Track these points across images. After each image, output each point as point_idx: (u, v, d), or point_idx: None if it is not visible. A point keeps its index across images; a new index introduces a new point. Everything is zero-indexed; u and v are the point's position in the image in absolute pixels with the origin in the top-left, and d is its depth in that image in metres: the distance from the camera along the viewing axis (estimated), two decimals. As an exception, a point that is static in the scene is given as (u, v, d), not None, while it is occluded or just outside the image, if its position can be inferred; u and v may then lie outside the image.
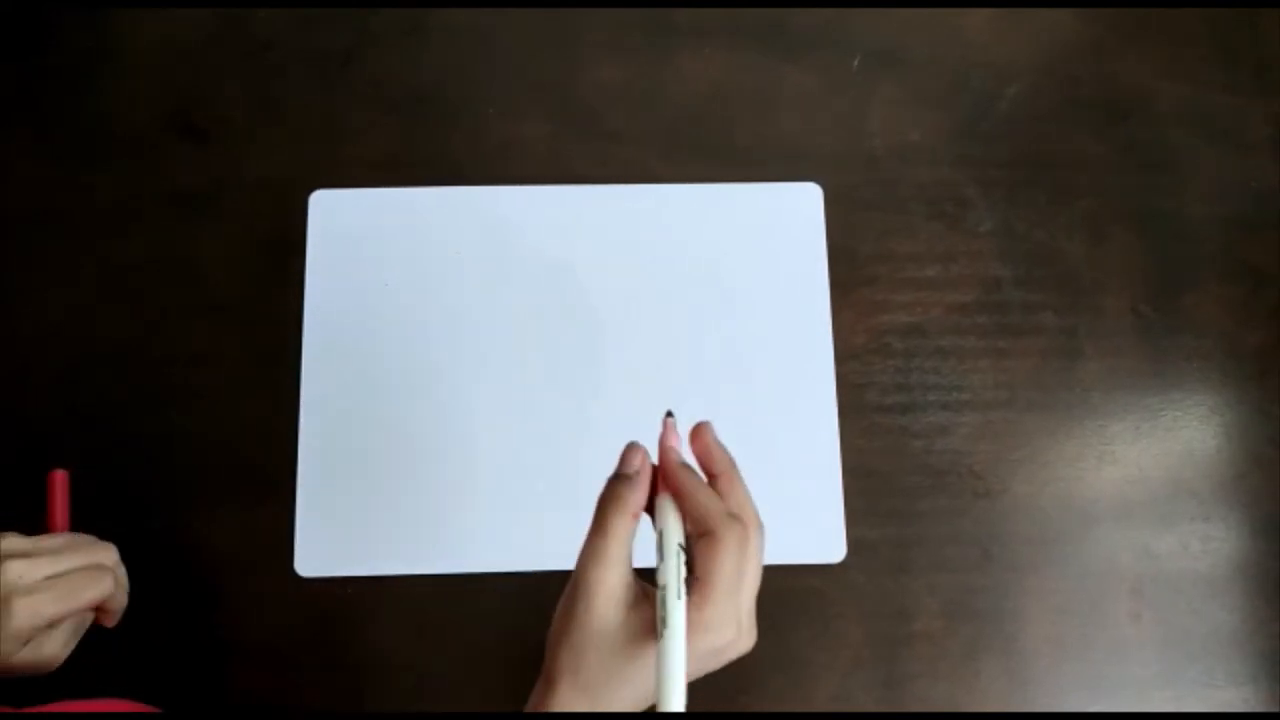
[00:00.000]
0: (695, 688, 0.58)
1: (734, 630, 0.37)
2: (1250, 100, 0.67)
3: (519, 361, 0.61)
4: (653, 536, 0.39)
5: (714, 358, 0.62)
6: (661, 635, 0.35)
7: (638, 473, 0.39)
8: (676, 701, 0.34)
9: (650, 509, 0.40)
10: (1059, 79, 0.67)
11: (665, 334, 0.62)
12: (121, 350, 0.61)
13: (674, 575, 0.36)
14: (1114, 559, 0.60)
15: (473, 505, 0.59)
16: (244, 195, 0.64)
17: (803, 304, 0.63)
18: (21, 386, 0.61)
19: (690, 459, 0.41)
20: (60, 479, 0.57)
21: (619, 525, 0.37)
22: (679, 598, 0.35)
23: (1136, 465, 0.62)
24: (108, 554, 0.52)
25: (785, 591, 0.59)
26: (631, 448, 0.40)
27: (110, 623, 0.53)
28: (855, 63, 0.67)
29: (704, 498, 0.38)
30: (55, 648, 0.49)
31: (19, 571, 0.47)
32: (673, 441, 0.40)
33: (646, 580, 0.40)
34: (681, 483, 0.38)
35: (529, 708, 0.40)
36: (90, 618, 0.52)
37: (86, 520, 0.56)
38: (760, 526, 0.39)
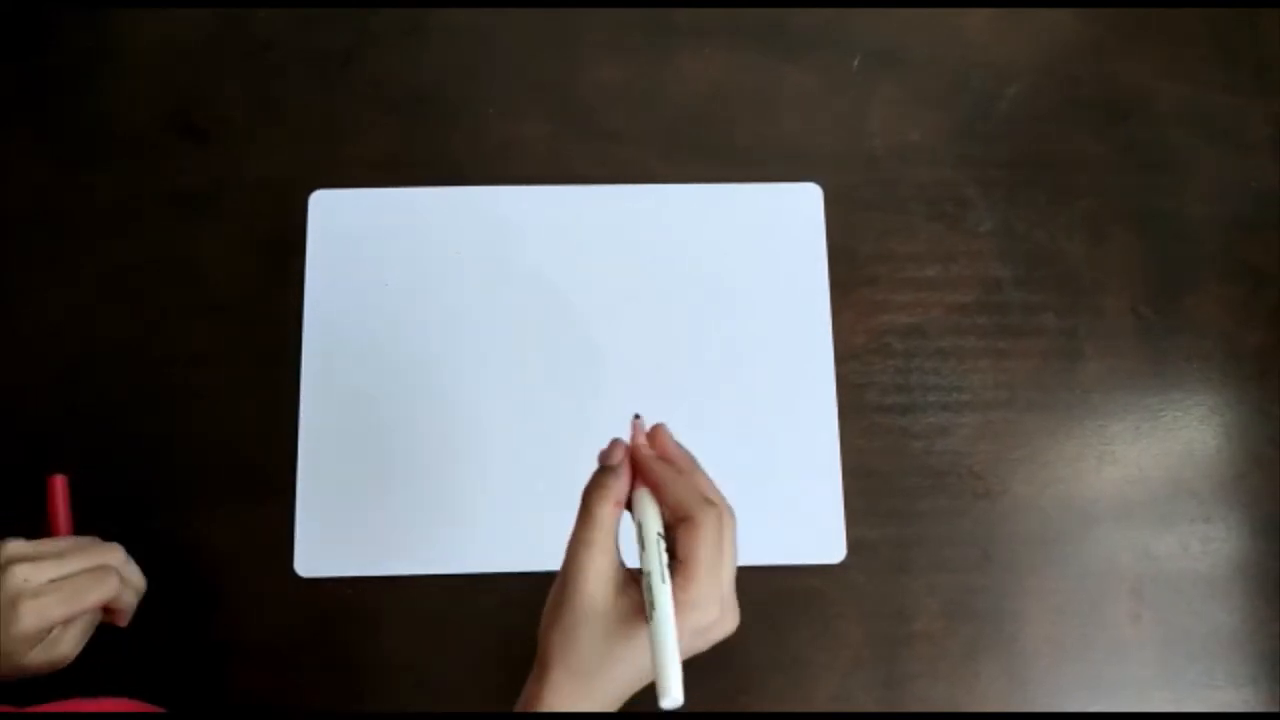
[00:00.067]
0: (694, 687, 0.58)
1: (718, 608, 0.38)
2: (1250, 100, 0.67)
3: (519, 361, 0.61)
4: (634, 536, 0.41)
5: (714, 358, 0.62)
6: (651, 618, 0.36)
7: (620, 464, 0.40)
8: (673, 678, 0.36)
9: (628, 505, 0.41)
10: (1059, 79, 0.67)
11: (665, 334, 0.62)
12: (121, 350, 0.61)
13: (656, 561, 0.37)
14: (1114, 559, 0.60)
15: (472, 505, 0.59)
16: (244, 195, 0.64)
17: (803, 304, 0.63)
18: (21, 386, 0.61)
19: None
20: (60, 484, 0.56)
21: (604, 513, 0.39)
22: (664, 581, 0.37)
23: (1136, 465, 0.62)
24: (113, 555, 0.52)
25: (785, 591, 0.59)
26: (614, 442, 0.42)
27: (122, 622, 0.54)
28: (855, 63, 0.67)
29: (680, 485, 0.40)
30: (67, 647, 0.49)
31: (24, 575, 0.47)
32: (642, 440, 0.42)
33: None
34: (659, 474, 0.40)
35: (522, 697, 0.40)
36: (98, 615, 0.52)
37: (87, 521, 0.57)
38: (731, 512, 0.41)
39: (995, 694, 0.58)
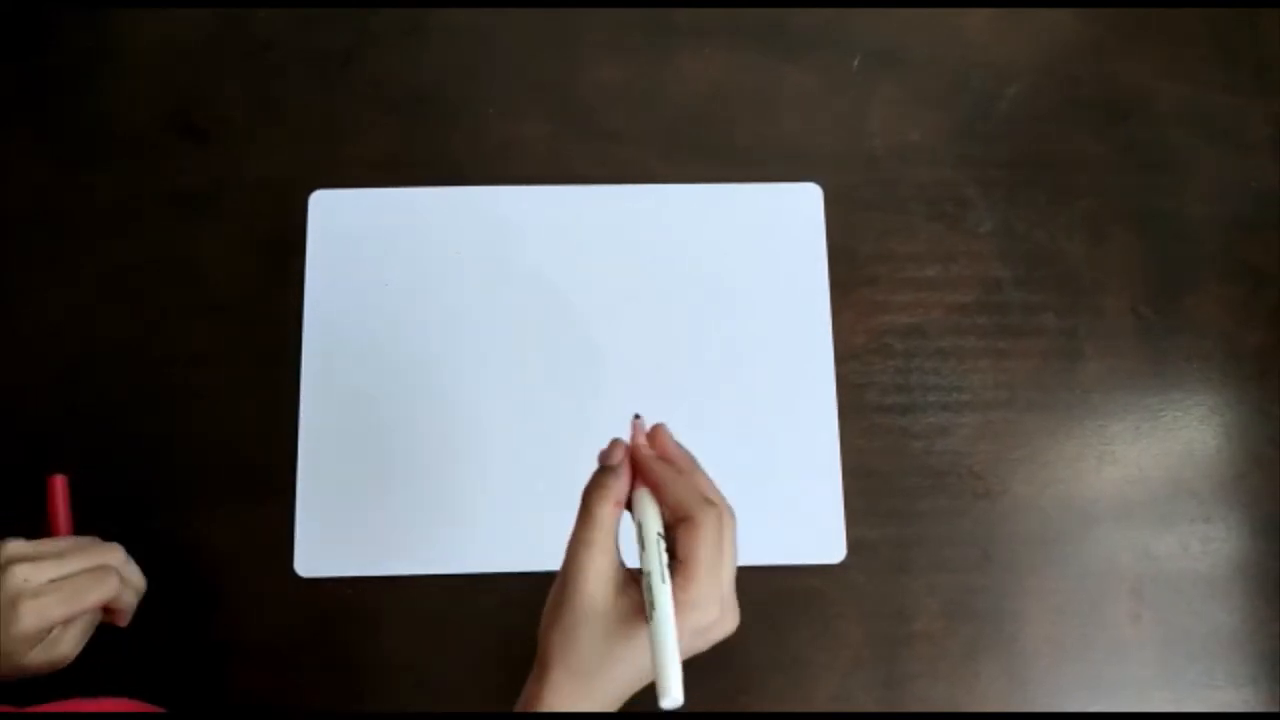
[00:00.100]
0: (694, 687, 0.58)
1: (718, 608, 0.39)
2: (1250, 100, 0.67)
3: (519, 361, 0.61)
4: (634, 537, 0.41)
5: (714, 358, 0.62)
6: (651, 618, 0.36)
7: (620, 464, 0.41)
8: (673, 678, 0.36)
9: (628, 505, 0.41)
10: (1059, 79, 0.67)
11: (665, 334, 0.62)
12: (121, 350, 0.61)
13: (656, 561, 0.38)
14: (1114, 559, 0.60)
15: (472, 505, 0.59)
16: (244, 195, 0.64)
17: (803, 304, 0.63)
18: (21, 386, 0.61)
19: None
20: (60, 484, 0.56)
21: (604, 512, 0.39)
22: (664, 581, 0.37)
23: (1136, 465, 0.62)
24: (113, 554, 0.52)
25: (785, 591, 0.59)
26: (614, 443, 0.42)
27: (122, 622, 0.54)
28: (855, 63, 0.67)
29: (681, 486, 0.40)
30: (67, 647, 0.50)
31: (24, 575, 0.47)
32: (642, 440, 0.42)
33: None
34: (659, 474, 0.40)
35: (522, 697, 0.40)
36: (98, 616, 0.52)
37: (87, 521, 0.57)
38: (731, 512, 0.41)
39: (995, 694, 0.58)
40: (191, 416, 0.60)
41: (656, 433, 0.43)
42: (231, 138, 0.65)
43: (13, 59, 0.65)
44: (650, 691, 0.58)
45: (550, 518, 0.59)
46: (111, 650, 0.53)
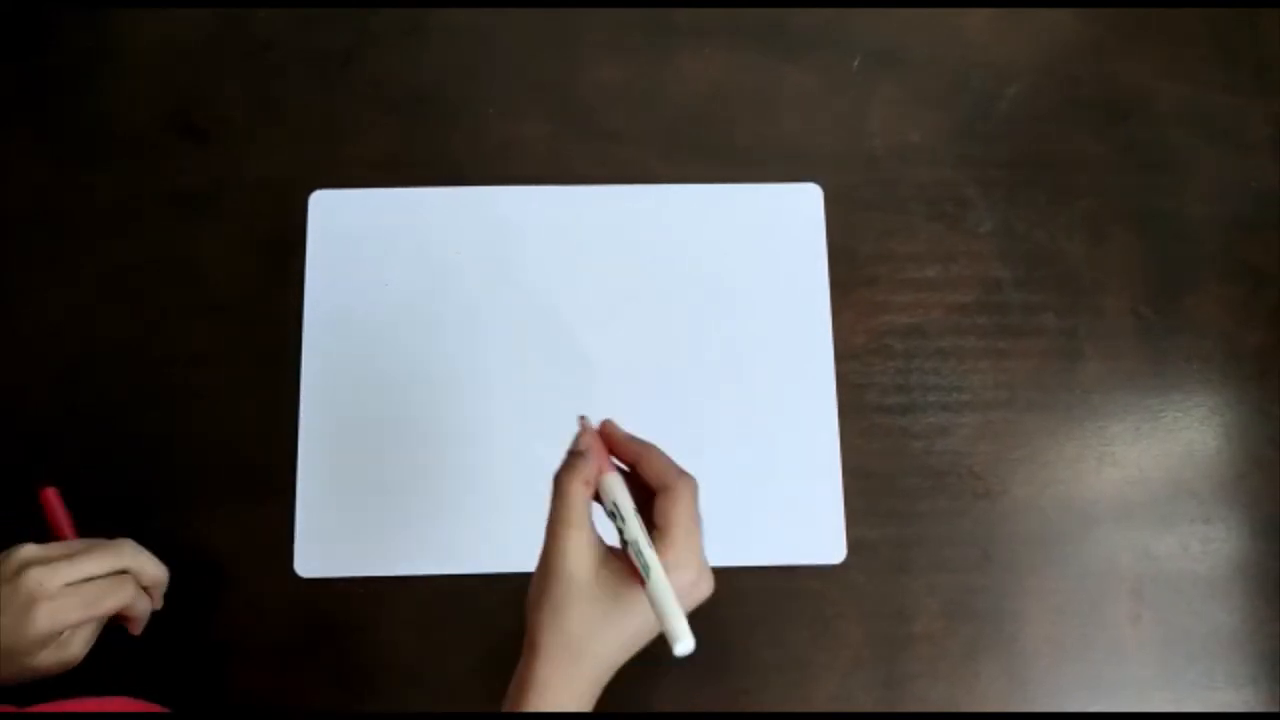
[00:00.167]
0: (695, 687, 0.58)
1: (695, 570, 0.41)
2: (1250, 100, 0.67)
3: (519, 361, 0.61)
4: (605, 516, 0.43)
5: (714, 358, 0.62)
6: (648, 579, 0.38)
7: (589, 448, 0.42)
8: (682, 625, 0.38)
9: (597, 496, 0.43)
10: (1059, 79, 0.67)
11: (665, 334, 0.62)
12: (121, 350, 0.61)
13: (639, 530, 0.40)
14: (1114, 560, 0.60)
15: (472, 506, 0.59)
16: (244, 195, 0.64)
17: (803, 304, 0.63)
18: (21, 386, 0.61)
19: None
20: (52, 494, 0.56)
21: (577, 492, 0.41)
22: (650, 546, 0.39)
23: (1136, 466, 0.62)
24: (123, 550, 0.52)
25: (785, 592, 0.59)
26: (581, 424, 0.44)
27: (135, 630, 0.54)
28: (855, 63, 0.67)
29: (657, 458, 0.43)
30: (76, 648, 0.50)
31: (39, 579, 0.48)
32: (588, 441, 0.43)
33: None
34: (637, 449, 0.43)
35: (514, 681, 0.41)
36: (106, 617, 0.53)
37: (87, 521, 0.57)
38: (696, 482, 0.43)
39: (995, 694, 0.58)
40: (191, 416, 0.60)
41: (607, 426, 0.44)
42: (231, 138, 0.65)
43: (13, 59, 0.65)
44: (651, 693, 0.58)
45: (550, 518, 0.59)
46: (112, 650, 0.53)
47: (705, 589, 0.41)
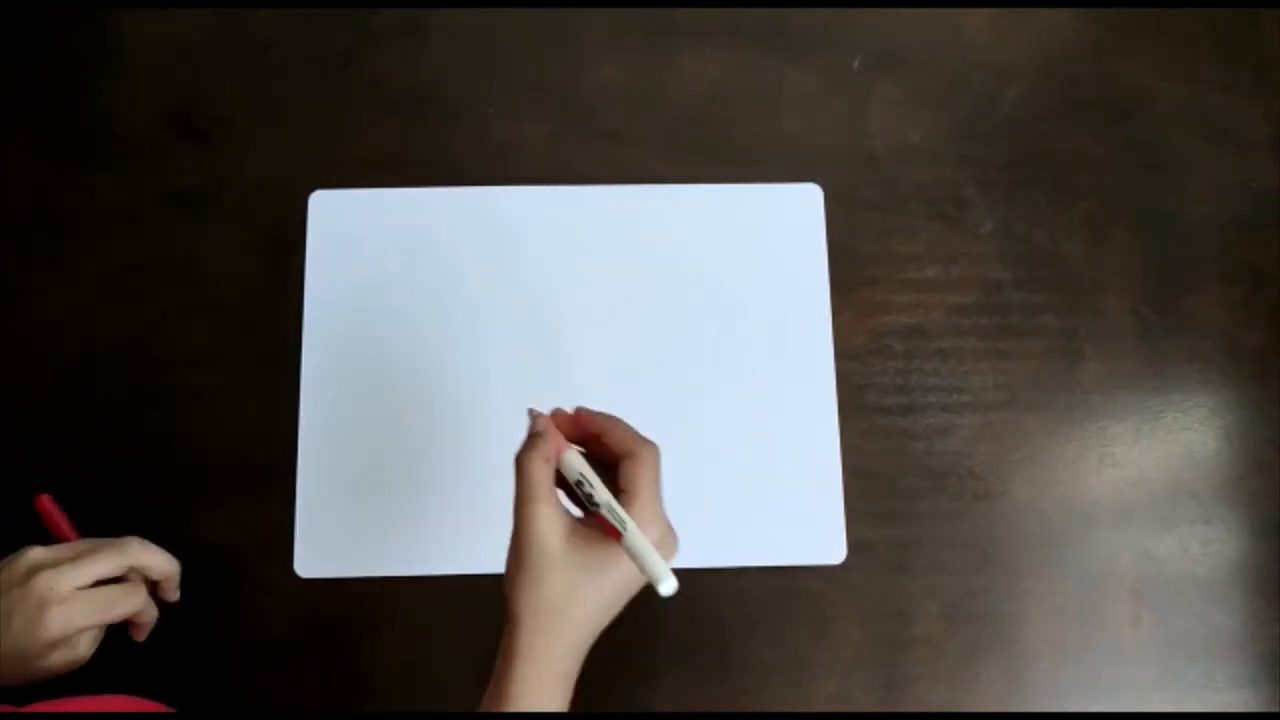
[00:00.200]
0: (695, 686, 0.58)
1: (662, 528, 0.43)
2: (1250, 100, 0.67)
3: (519, 361, 0.61)
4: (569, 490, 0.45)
5: (714, 358, 0.62)
6: (625, 532, 0.41)
7: (546, 429, 0.44)
8: (663, 569, 0.40)
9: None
10: (1059, 79, 0.67)
11: (665, 334, 0.62)
12: (121, 350, 0.61)
13: (608, 494, 0.42)
14: (1114, 561, 0.60)
15: (471, 506, 0.59)
16: (244, 195, 0.64)
17: (803, 305, 0.63)
18: (21, 386, 0.61)
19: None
20: (46, 500, 0.57)
21: (539, 469, 0.43)
22: (620, 506, 0.42)
23: (1137, 467, 0.61)
24: (129, 547, 0.52)
25: (785, 593, 0.59)
26: (532, 413, 0.46)
27: (140, 637, 0.55)
28: (855, 63, 0.67)
29: (622, 427, 0.44)
30: (84, 648, 0.51)
31: (49, 583, 0.49)
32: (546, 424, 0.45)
33: None
34: (600, 421, 0.45)
35: (499, 656, 0.42)
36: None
37: (88, 521, 0.57)
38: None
39: (995, 696, 0.58)
40: (191, 416, 0.60)
41: (560, 411, 0.46)
42: (231, 138, 0.65)
43: (13, 59, 0.65)
44: (651, 693, 0.58)
45: (549, 518, 0.59)
46: (111, 649, 0.53)
47: (672, 546, 0.43)
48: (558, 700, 0.42)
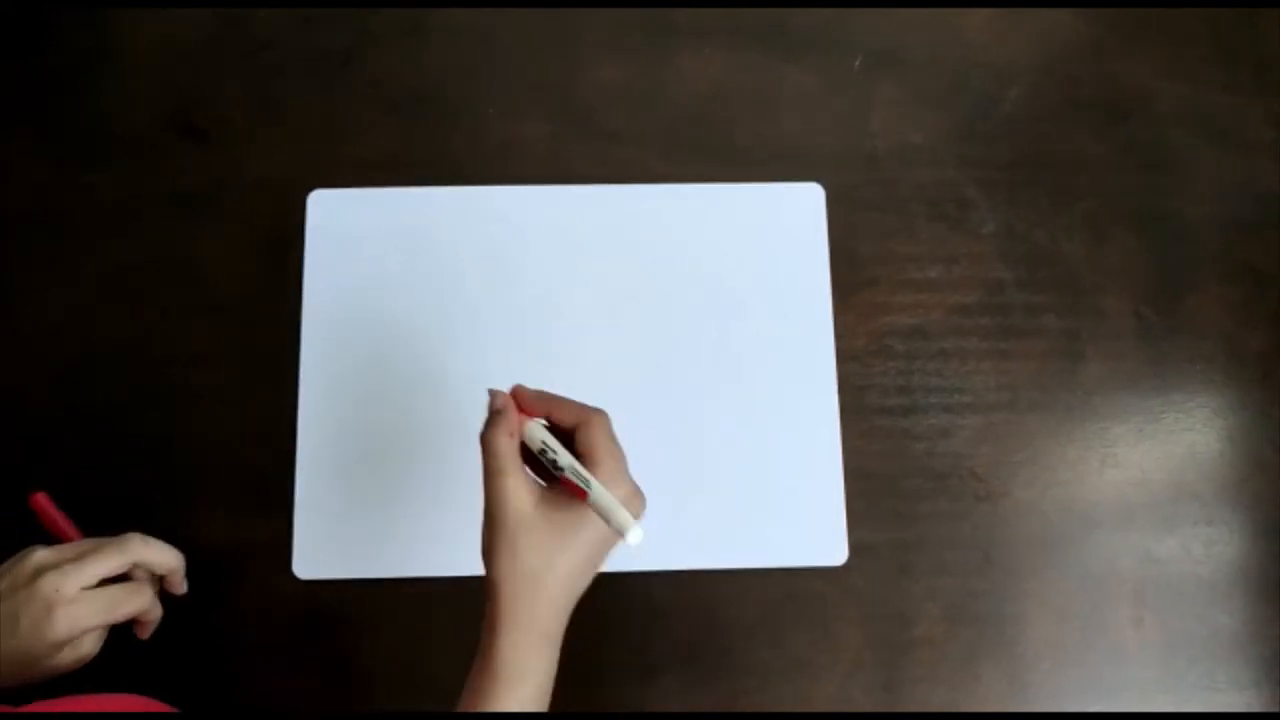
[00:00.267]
0: (695, 687, 0.58)
1: (628, 487, 0.44)
2: (1250, 100, 0.67)
3: (518, 361, 0.61)
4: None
5: (715, 358, 0.62)
6: (590, 490, 0.42)
7: (506, 405, 0.46)
8: (627, 518, 0.42)
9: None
10: (1059, 79, 0.67)
11: (666, 334, 0.62)
12: (121, 350, 0.61)
13: (570, 457, 0.44)
14: (1115, 563, 0.60)
15: (471, 506, 0.59)
16: (244, 195, 0.64)
17: (804, 305, 0.63)
18: (21, 386, 0.61)
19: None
20: (42, 498, 0.57)
21: (504, 443, 0.44)
22: (583, 469, 0.44)
23: (1138, 468, 0.61)
24: (131, 547, 0.52)
25: (786, 594, 0.59)
26: (491, 392, 0.47)
27: (144, 634, 0.55)
28: (856, 63, 0.67)
29: (569, 401, 0.46)
30: (89, 646, 0.52)
31: (55, 585, 0.49)
32: (502, 401, 0.47)
33: None
34: (549, 398, 0.46)
35: (484, 623, 0.44)
36: None
37: (88, 521, 0.57)
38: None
39: (996, 697, 0.58)
40: (191, 416, 0.60)
41: (519, 388, 0.47)
42: (231, 138, 0.65)
43: (13, 59, 0.65)
44: (651, 693, 0.58)
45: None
46: (111, 649, 0.53)
47: (639, 505, 0.45)
48: (545, 663, 0.43)
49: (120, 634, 0.54)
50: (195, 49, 0.66)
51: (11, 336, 0.61)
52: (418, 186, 0.64)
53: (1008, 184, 0.65)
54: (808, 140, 0.65)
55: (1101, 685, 0.58)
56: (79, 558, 0.51)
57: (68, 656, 0.50)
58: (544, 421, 0.46)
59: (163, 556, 0.54)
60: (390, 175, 0.64)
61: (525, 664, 0.43)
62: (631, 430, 0.46)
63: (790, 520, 0.60)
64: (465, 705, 0.43)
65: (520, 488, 0.44)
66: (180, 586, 0.56)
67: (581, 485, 0.43)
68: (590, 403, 0.46)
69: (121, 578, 0.53)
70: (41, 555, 0.51)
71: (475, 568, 0.58)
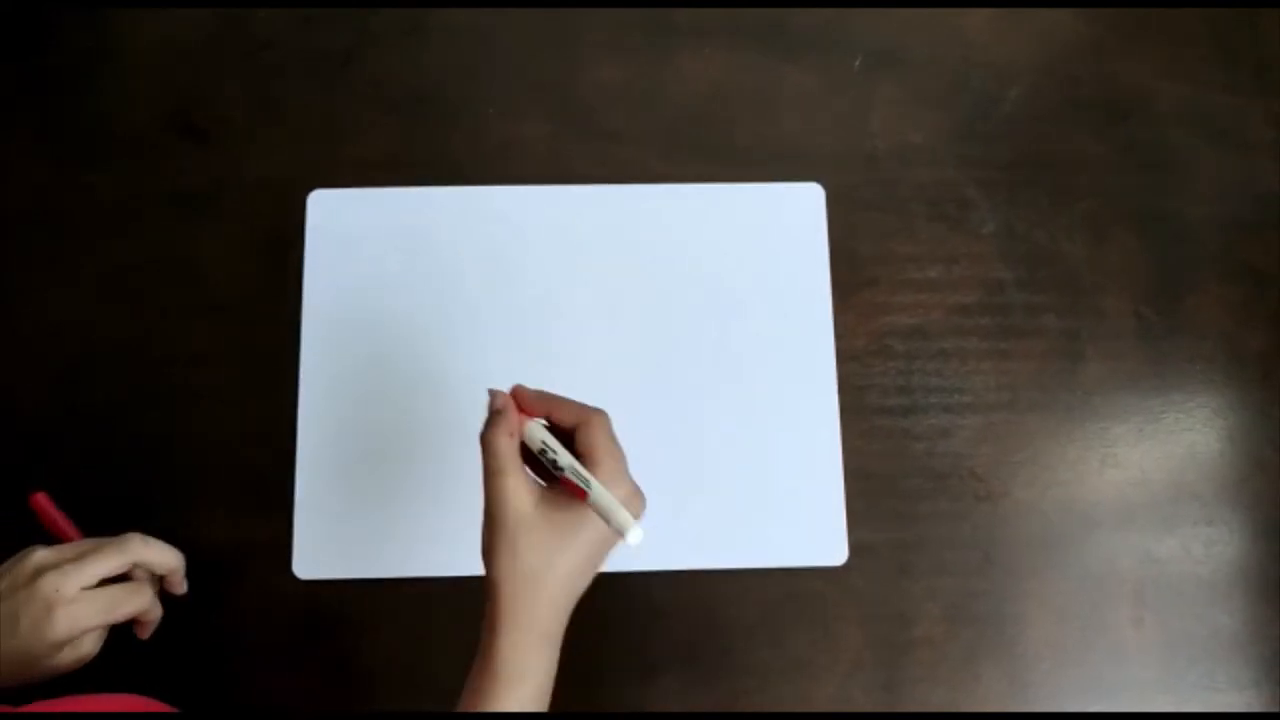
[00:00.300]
0: (696, 687, 0.58)
1: (628, 487, 0.44)
2: (1250, 100, 0.67)
3: (518, 361, 0.61)
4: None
5: (715, 358, 0.62)
6: (590, 490, 0.42)
7: (506, 405, 0.46)
8: (627, 518, 0.41)
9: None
10: (1059, 79, 0.67)
11: (666, 334, 0.62)
12: (121, 350, 0.61)
13: (570, 457, 0.44)
14: (1115, 563, 0.60)
15: (471, 507, 0.59)
16: (244, 195, 0.64)
17: (804, 305, 0.63)
18: (21, 386, 0.61)
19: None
20: (42, 498, 0.57)
21: (504, 443, 0.44)
22: (583, 469, 0.44)
23: (1138, 468, 0.61)
24: (131, 547, 0.52)
25: (786, 594, 0.59)
26: (491, 392, 0.47)
27: (144, 634, 0.55)
28: (856, 63, 0.67)
29: (568, 402, 0.46)
30: (89, 646, 0.52)
31: (55, 585, 0.49)
32: (503, 401, 0.47)
33: None
34: (549, 399, 0.46)
35: (484, 623, 0.44)
36: None
37: (88, 521, 0.57)
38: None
39: (996, 697, 0.58)
40: (191, 416, 0.60)
41: (519, 388, 0.47)
42: (231, 138, 0.65)
43: (13, 59, 0.65)
44: (651, 693, 0.58)
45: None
46: (111, 649, 0.53)
47: (639, 505, 0.45)
48: (545, 663, 0.43)
49: (120, 634, 0.54)
50: (195, 49, 0.66)
51: (11, 336, 0.61)
52: (418, 186, 0.64)
53: (1008, 184, 0.65)
54: (808, 140, 0.65)
55: (1101, 685, 0.58)
56: (79, 558, 0.51)
57: (68, 656, 0.50)
58: (544, 421, 0.46)
59: (163, 556, 0.54)
60: (390, 175, 0.64)
61: (525, 664, 0.43)
62: (631, 430, 0.46)
63: (790, 520, 0.60)
64: (465, 705, 0.43)
65: (520, 488, 0.44)
66: (180, 586, 0.56)
67: (581, 485, 0.43)
68: (590, 403, 0.46)
69: (121, 578, 0.53)
70: (41, 555, 0.51)
71: (475, 568, 0.58)
